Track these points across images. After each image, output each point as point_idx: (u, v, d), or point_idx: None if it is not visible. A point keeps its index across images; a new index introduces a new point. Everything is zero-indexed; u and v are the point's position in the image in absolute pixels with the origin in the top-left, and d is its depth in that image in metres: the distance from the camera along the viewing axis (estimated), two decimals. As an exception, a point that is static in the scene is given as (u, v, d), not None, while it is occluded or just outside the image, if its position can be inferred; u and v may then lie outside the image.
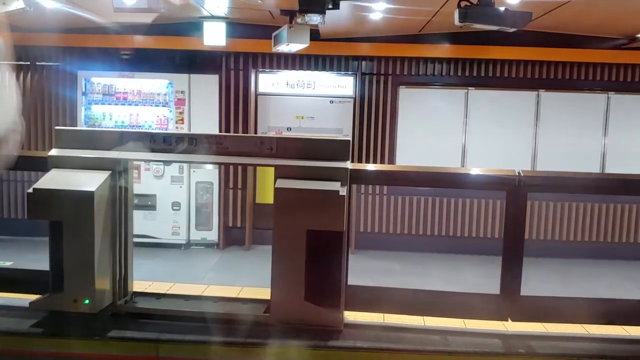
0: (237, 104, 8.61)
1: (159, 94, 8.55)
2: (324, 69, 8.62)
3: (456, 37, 8.19)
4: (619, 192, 6.46)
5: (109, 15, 7.05)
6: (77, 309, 4.17)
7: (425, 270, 7.72)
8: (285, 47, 6.92)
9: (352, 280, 4.45)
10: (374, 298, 4.55)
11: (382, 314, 4.59)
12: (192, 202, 8.66)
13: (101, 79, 8.58)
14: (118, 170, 4.34)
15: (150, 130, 8.10)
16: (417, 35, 8.32)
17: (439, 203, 8.71)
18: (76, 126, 8.41)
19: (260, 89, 8.74)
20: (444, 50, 8.43)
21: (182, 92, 8.52)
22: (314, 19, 5.78)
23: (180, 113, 8.53)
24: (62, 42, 8.46)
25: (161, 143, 4.42)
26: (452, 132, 8.70)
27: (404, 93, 8.71)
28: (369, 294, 4.56)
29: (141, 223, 8.05)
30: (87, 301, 4.15)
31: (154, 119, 8.58)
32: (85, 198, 4.08)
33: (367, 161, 8.65)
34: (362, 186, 8.61)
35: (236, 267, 7.87)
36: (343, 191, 4.09)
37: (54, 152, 4.40)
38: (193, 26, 7.98)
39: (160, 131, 7.91)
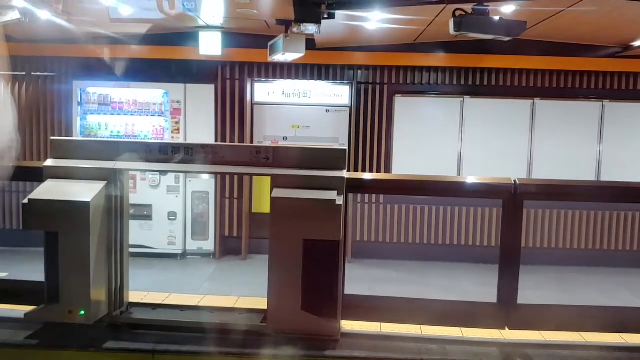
0: (233, 114, 8.62)
1: (154, 104, 8.56)
2: (319, 78, 8.64)
3: (451, 46, 8.23)
4: (615, 199, 6.49)
5: (105, 26, 7.09)
6: (73, 320, 4.14)
7: (423, 278, 7.71)
8: (281, 57, 6.94)
9: (349, 290, 4.43)
10: (371, 307, 4.54)
11: (379, 323, 4.58)
12: (188, 211, 8.65)
13: (97, 89, 8.58)
14: (114, 181, 4.33)
15: (146, 140, 8.09)
16: (413, 44, 8.36)
17: (436, 211, 8.71)
18: (72, 136, 8.40)
19: (256, 99, 8.75)
20: (439, 59, 8.47)
21: (178, 101, 8.52)
22: (310, 28, 5.81)
23: (176, 123, 8.54)
24: (57, 52, 8.47)
25: (157, 153, 4.41)
26: (447, 141, 8.72)
27: (400, 102, 8.73)
28: (366, 303, 4.54)
29: (137, 233, 8.03)
30: (82, 312, 4.13)
31: (149, 128, 8.58)
32: (80, 208, 4.07)
33: (363, 170, 8.66)
34: (359, 195, 8.61)
35: (232, 277, 7.84)
36: (340, 200, 4.09)
37: (49, 162, 4.39)
38: (189, 36, 8.01)
39: (156, 141, 7.91)
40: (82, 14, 6.67)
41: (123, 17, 6.58)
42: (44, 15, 6.32)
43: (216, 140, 8.53)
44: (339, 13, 5.94)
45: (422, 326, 4.52)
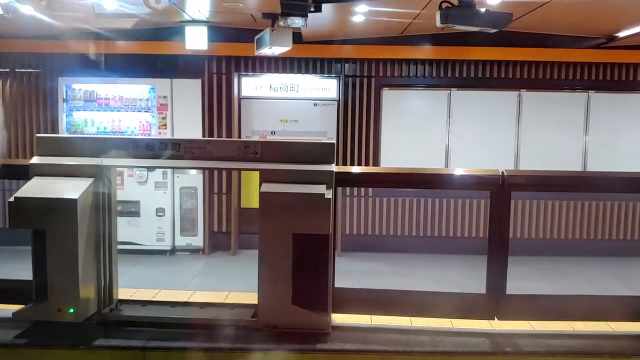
0: (221, 108, 8.58)
1: (141, 100, 8.49)
2: (307, 71, 8.62)
3: (438, 39, 8.24)
4: (601, 190, 6.55)
5: (90, 21, 7.02)
6: (62, 318, 4.12)
7: (412, 271, 7.74)
8: (268, 51, 6.91)
9: (339, 283, 4.45)
10: (361, 300, 4.55)
11: (369, 316, 4.60)
12: (176, 207, 8.61)
13: (82, 85, 8.50)
14: (101, 177, 4.30)
15: (133, 136, 8.05)
16: (400, 37, 8.36)
17: (424, 204, 8.74)
18: (58, 133, 8.33)
19: (244, 93, 8.72)
20: (426, 51, 8.48)
21: (164, 97, 8.47)
22: (296, 22, 5.79)
23: (163, 118, 8.48)
24: (42, 48, 8.38)
25: (144, 149, 4.38)
26: (435, 133, 8.74)
27: (387, 95, 8.74)
28: (356, 296, 4.56)
29: (125, 230, 7.97)
30: (71, 310, 4.11)
31: (136, 124, 8.52)
32: (68, 206, 4.04)
33: (352, 163, 8.67)
34: (348, 188, 8.62)
35: (222, 272, 7.83)
36: (328, 194, 4.09)
37: (35, 159, 4.35)
38: (175, 30, 7.95)
39: (143, 137, 7.88)
40: (66, 9, 6.60)
41: (108, 12, 6.52)
42: (27, 10, 6.26)
43: (204, 136, 8.49)
44: (325, 6, 5.93)
45: (412, 318, 4.55)
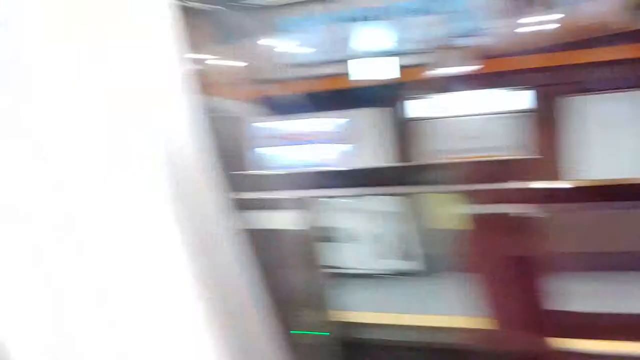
0: (403, 132, 8.67)
1: (332, 132, 8.86)
2: (488, 86, 8.43)
3: (628, 37, 7.55)
4: None
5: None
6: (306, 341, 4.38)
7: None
8: (444, 71, 6.91)
9: (560, 306, 4.21)
10: (584, 323, 4.27)
11: (592, 341, 4.28)
12: (379, 231, 8.58)
13: (272, 125, 9.06)
14: (309, 209, 4.54)
15: (332, 167, 8.40)
16: (586, 40, 7.78)
17: (631, 216, 7.97)
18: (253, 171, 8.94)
19: (418, 114, 8.74)
20: (616, 52, 7.76)
21: (352, 127, 8.73)
22: (467, 41, 5.71)
23: (353, 148, 8.74)
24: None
25: (344, 178, 4.56)
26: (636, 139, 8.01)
27: (579, 102, 8.20)
28: (582, 320, 4.29)
29: (334, 254, 8.11)
30: (318, 333, 4.34)
31: (328, 156, 8.87)
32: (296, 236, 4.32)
33: (553, 179, 8.20)
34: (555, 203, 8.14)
35: (436, 295, 7.69)
36: (535, 212, 3.94)
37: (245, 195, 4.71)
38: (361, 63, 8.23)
39: (340, 167, 8.21)
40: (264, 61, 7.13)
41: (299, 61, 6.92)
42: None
43: (390, 161, 8.61)
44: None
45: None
